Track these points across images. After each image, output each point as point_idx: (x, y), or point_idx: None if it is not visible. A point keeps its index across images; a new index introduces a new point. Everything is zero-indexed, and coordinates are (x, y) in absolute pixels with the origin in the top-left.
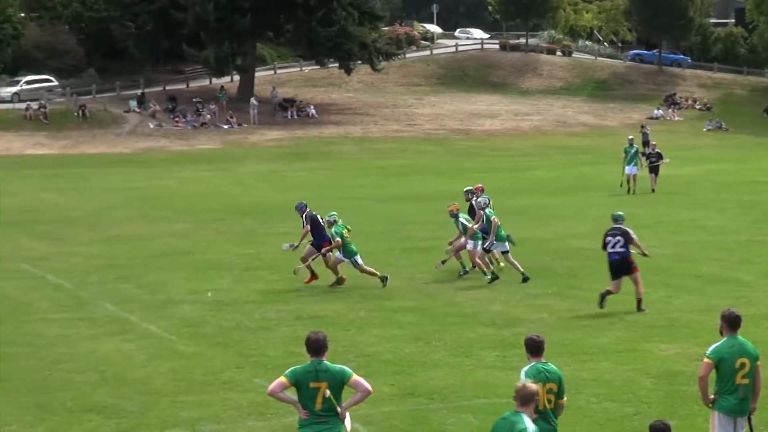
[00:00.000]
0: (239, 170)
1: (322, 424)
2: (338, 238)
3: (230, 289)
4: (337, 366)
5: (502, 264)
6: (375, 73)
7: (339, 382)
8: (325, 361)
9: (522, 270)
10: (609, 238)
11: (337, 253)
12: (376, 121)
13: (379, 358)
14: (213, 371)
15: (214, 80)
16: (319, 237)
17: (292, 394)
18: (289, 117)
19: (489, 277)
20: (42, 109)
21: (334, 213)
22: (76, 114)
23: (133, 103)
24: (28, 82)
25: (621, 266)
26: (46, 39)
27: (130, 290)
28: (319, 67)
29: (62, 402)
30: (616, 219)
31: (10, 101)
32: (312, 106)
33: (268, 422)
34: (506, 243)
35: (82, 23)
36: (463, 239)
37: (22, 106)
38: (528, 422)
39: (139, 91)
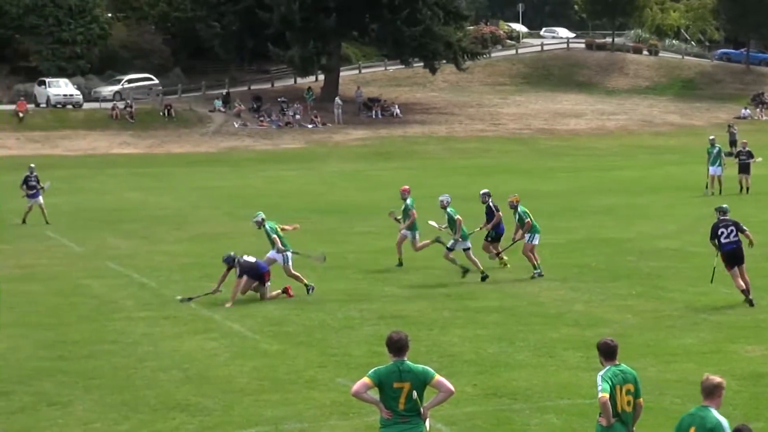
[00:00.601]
0: (323, 169)
1: (404, 424)
2: (274, 235)
3: (315, 287)
4: (420, 366)
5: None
6: (460, 72)
7: (422, 382)
8: (407, 361)
9: (482, 268)
10: (722, 230)
11: (270, 253)
12: (461, 121)
13: (462, 358)
14: (296, 370)
15: (299, 80)
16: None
17: (374, 394)
18: (374, 116)
19: (482, 275)
20: (128, 109)
21: (260, 212)
22: (161, 113)
23: (219, 103)
24: (130, 81)
25: (737, 254)
26: (132, 39)
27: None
28: (403, 66)
29: (146, 400)
30: (724, 211)
31: (112, 99)
32: (396, 106)
33: (350, 421)
34: (468, 241)
35: (168, 23)
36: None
37: (110, 105)
38: (718, 416)
39: (224, 91)
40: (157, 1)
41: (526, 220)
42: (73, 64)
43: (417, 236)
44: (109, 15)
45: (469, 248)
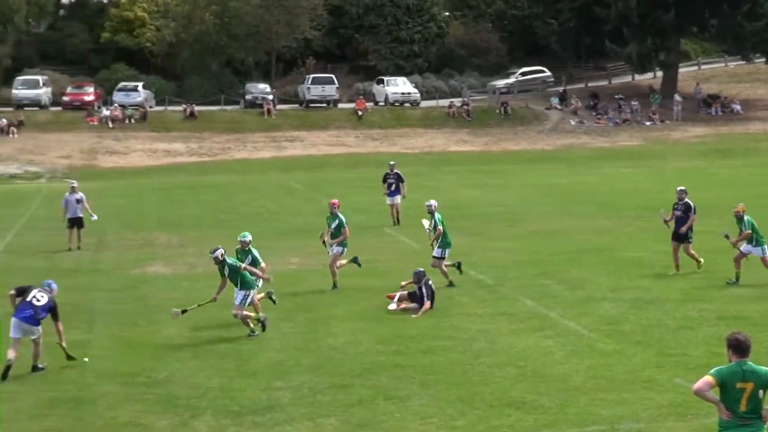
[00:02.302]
0: (661, 167)
1: (745, 427)
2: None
3: (651, 287)
4: (764, 368)
5: None
6: None
7: (765, 384)
8: (750, 362)
9: (450, 280)
10: None
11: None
12: None
13: None
14: (633, 370)
15: (637, 76)
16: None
17: (714, 394)
18: (713, 113)
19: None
20: (465, 107)
21: (245, 233)
22: (497, 111)
23: (555, 100)
24: (523, 74)
25: None
26: (469, 37)
27: (551, 286)
28: (744, 62)
29: (482, 396)
30: None
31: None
32: (737, 102)
33: (688, 423)
34: (444, 250)
35: (505, 21)
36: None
37: (447, 103)
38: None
39: (560, 88)
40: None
41: None
42: (411, 63)
43: (344, 252)
44: (447, 14)
45: (440, 258)
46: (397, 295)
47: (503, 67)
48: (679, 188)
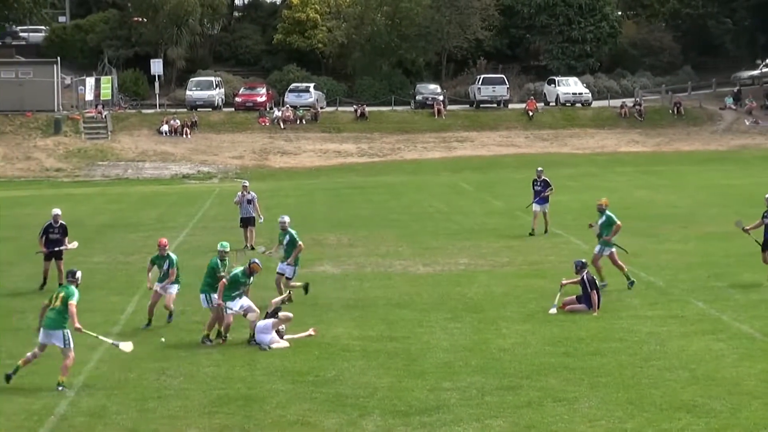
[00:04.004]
0: None
1: None
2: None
3: None
4: None
5: None
6: None
7: None
8: None
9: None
10: None
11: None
12: None
13: None
14: None
15: None
16: None
17: None
18: None
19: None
20: (637, 107)
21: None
22: (670, 111)
23: (729, 100)
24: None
25: None
26: (642, 37)
27: (723, 289)
28: None
29: (652, 399)
30: None
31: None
32: None
33: None
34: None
35: (678, 20)
36: None
37: (619, 103)
38: None
39: (735, 88)
40: None
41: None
42: (582, 63)
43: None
44: (619, 13)
45: (286, 275)
46: (557, 297)
47: (676, 67)
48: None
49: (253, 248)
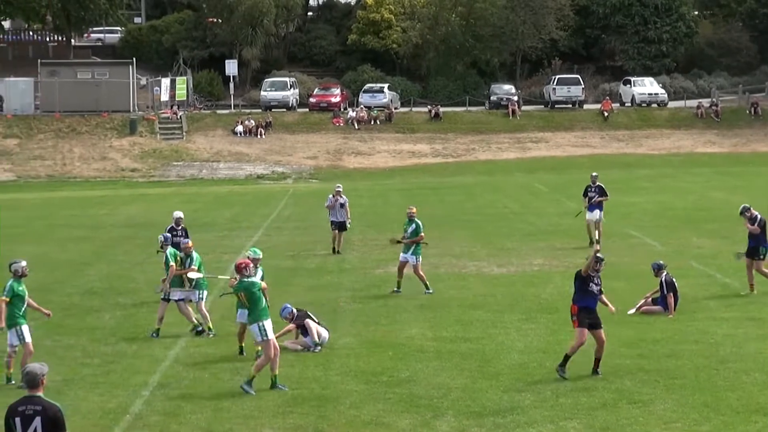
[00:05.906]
0: None
1: None
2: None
3: None
4: None
5: None
6: None
7: None
8: None
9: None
10: None
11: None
12: None
13: None
14: None
15: None
16: None
17: None
18: None
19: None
20: (714, 107)
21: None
22: (747, 112)
23: None
24: None
25: None
26: (719, 37)
27: None
28: None
29: (728, 402)
30: None
31: None
32: None
33: None
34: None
35: (756, 20)
36: None
37: (695, 103)
38: None
39: None
40: None
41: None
42: (658, 63)
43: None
44: (696, 13)
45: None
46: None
47: (753, 67)
48: None
49: (339, 252)
